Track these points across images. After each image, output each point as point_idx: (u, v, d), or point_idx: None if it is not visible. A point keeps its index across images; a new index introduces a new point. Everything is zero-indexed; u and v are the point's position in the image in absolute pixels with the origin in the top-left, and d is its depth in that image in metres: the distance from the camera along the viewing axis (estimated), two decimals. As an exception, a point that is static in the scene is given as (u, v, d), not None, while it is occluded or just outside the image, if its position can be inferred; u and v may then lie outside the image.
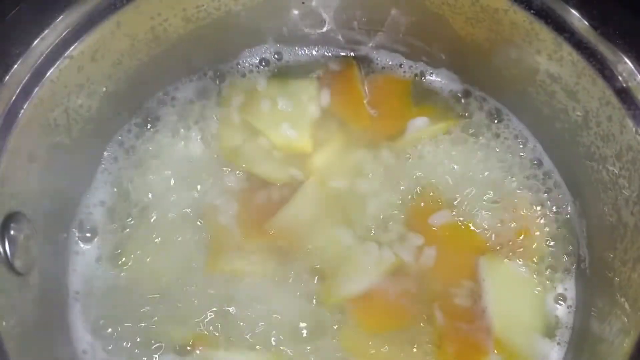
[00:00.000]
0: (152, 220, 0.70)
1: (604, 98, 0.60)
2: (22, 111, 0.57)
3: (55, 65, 0.59)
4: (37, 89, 0.58)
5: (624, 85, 0.58)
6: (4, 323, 0.51)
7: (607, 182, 0.62)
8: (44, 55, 0.58)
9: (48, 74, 0.59)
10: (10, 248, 0.54)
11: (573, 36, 0.60)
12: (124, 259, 0.68)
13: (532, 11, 0.61)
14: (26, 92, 0.57)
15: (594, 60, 0.59)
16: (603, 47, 0.59)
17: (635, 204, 0.58)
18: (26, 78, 0.57)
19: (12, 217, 0.56)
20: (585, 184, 0.67)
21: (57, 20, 0.59)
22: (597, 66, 0.59)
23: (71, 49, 0.60)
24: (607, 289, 0.63)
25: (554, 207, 0.71)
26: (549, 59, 0.64)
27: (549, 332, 0.68)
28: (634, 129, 0.58)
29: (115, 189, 0.71)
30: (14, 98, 0.56)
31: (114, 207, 0.71)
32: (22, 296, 0.56)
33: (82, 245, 0.68)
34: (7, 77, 0.56)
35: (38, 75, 0.58)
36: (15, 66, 0.56)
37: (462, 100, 0.76)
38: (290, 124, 0.75)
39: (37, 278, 0.59)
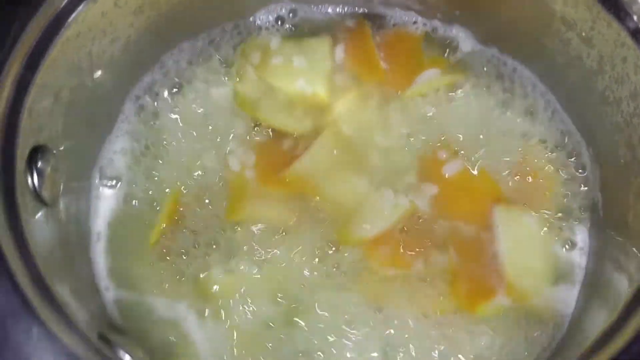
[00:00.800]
0: (170, 170, 0.72)
1: (618, 40, 0.61)
2: (49, 49, 0.58)
3: (80, 7, 0.61)
4: (63, 29, 0.60)
5: (639, 25, 0.59)
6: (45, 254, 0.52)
7: (621, 123, 0.63)
8: (70, -4, 0.60)
9: (73, 14, 0.60)
10: (38, 179, 0.56)
11: (588, -21, 0.61)
12: (144, 206, 0.70)
13: (547, -45, 0.63)
14: (53, 31, 0.59)
15: (609, 3, 0.60)
16: (618, -12, 0.60)
17: (649, 140, 0.59)
18: (53, 17, 0.59)
19: (38, 150, 0.57)
20: (598, 129, 0.68)
21: (83, -38, 0.60)
22: (611, 9, 0.60)
23: (95, -9, 0.62)
24: (621, 230, 0.64)
25: (567, 156, 0.72)
26: (564, 5, 0.64)
27: (560, 278, 0.69)
28: (648, 68, 0.59)
29: (134, 140, 0.73)
30: (41, 35, 0.58)
31: (133, 157, 0.72)
32: (50, 229, 0.57)
33: (103, 190, 0.70)
34: (36, 15, 0.57)
35: (64, 15, 0.59)
36: (43, 4, 0.58)
37: (476, 55, 0.77)
38: (305, 79, 0.76)
39: (63, 214, 0.61)
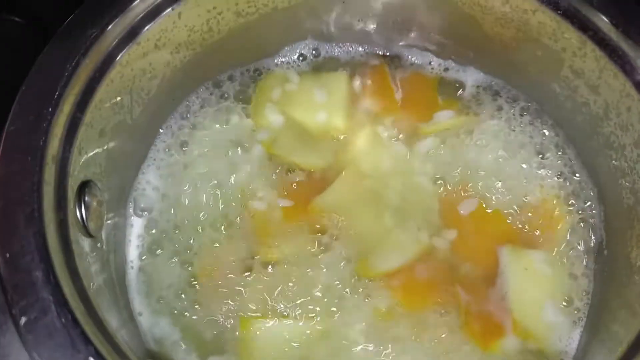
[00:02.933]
0: (198, 205, 0.75)
1: (624, 91, 0.65)
2: (96, 90, 0.62)
3: (125, 50, 0.65)
4: (109, 70, 0.64)
5: (644, 78, 0.64)
6: (92, 284, 0.56)
7: (625, 168, 0.68)
8: (117, 40, 0.64)
9: (119, 57, 0.64)
10: (85, 211, 0.59)
11: (596, 34, 0.66)
12: (173, 237, 0.73)
13: (559, 12, 0.67)
14: (101, 73, 0.63)
15: (616, 56, 0.65)
16: (624, 44, 0.64)
17: (652, 185, 0.64)
18: (101, 59, 0.63)
19: (86, 184, 0.61)
20: (604, 172, 0.72)
21: (129, 8, 0.64)
22: (618, 61, 0.65)
23: (139, 35, 0.66)
24: (624, 271, 0.67)
25: (575, 196, 0.76)
26: (573, 55, 0.69)
27: (565, 318, 0.71)
28: (651, 118, 0.64)
29: (164, 172, 0.76)
30: (90, 77, 0.62)
31: (162, 189, 0.76)
32: (94, 260, 0.60)
33: (136, 219, 0.73)
34: (85, 58, 0.61)
35: (111, 57, 0.64)
36: (92, 48, 0.62)
37: (488, 96, 0.82)
38: (325, 112, 0.80)
39: (104, 245, 0.64)
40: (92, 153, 0.63)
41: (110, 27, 0.63)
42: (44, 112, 0.57)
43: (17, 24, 0.90)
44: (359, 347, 0.68)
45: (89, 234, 0.60)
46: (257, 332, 0.67)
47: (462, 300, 0.71)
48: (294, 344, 0.67)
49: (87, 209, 0.60)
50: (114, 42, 0.64)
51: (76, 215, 0.59)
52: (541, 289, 0.72)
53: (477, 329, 0.70)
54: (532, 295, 0.71)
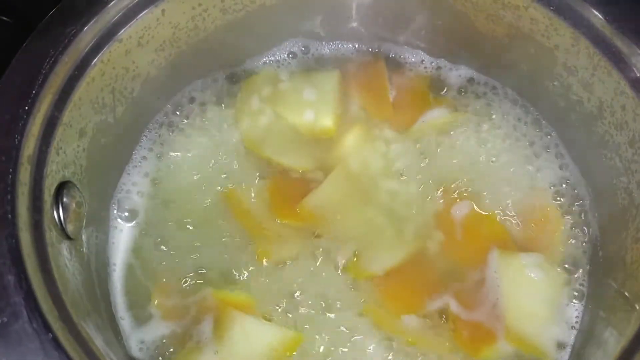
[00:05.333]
0: (184, 206, 0.73)
1: (618, 88, 0.64)
2: (75, 88, 0.61)
3: (106, 47, 0.64)
4: (89, 68, 0.62)
5: (638, 75, 0.62)
6: (69, 288, 0.54)
7: (619, 167, 0.66)
8: (97, 37, 0.62)
9: (99, 54, 0.63)
10: (63, 213, 0.58)
11: (590, 31, 0.64)
12: (159, 239, 0.72)
13: (551, 7, 0.66)
14: (80, 71, 0.61)
15: (609, 53, 0.64)
16: (618, 41, 0.63)
17: (647, 185, 0.62)
18: (80, 57, 0.61)
19: (64, 185, 0.59)
20: (598, 172, 0.71)
21: (110, 5, 0.63)
22: (612, 58, 0.64)
23: (120, 32, 0.65)
24: (618, 272, 0.66)
25: (569, 197, 0.74)
26: (567, 52, 0.68)
27: (560, 323, 0.69)
28: (646, 116, 0.62)
29: (148, 175, 0.75)
30: (69, 75, 0.60)
31: (147, 191, 0.74)
32: (73, 262, 0.59)
33: (119, 222, 0.72)
34: (63, 56, 0.60)
35: (91, 55, 0.62)
36: (71, 46, 0.60)
37: (481, 94, 0.80)
38: (314, 112, 0.78)
39: (84, 247, 0.63)
40: (71, 153, 0.61)
41: (90, 23, 0.62)
42: (20, 111, 0.56)
43: (6, 23, 0.89)
44: (346, 351, 0.66)
45: (67, 236, 0.59)
46: (238, 330, 0.65)
47: (452, 305, 0.69)
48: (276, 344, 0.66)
49: (65, 210, 0.58)
50: (95, 39, 0.62)
51: (53, 217, 0.57)
52: (534, 293, 0.70)
53: (469, 336, 0.68)
54: (525, 299, 0.69)
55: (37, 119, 0.57)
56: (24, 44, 0.60)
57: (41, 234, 0.54)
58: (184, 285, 0.69)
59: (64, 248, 0.58)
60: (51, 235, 0.56)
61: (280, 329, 0.66)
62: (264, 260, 0.70)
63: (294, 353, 0.66)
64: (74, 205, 0.60)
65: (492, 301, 0.69)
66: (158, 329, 0.67)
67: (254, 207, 0.74)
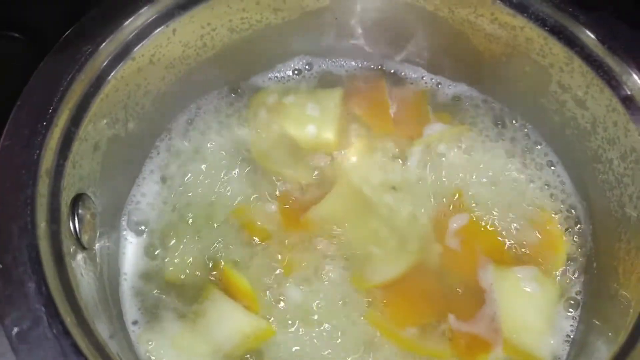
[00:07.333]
0: (193, 218, 0.76)
1: (610, 105, 0.67)
2: (91, 104, 0.64)
3: (120, 65, 0.66)
4: (104, 85, 0.65)
5: (629, 93, 0.65)
6: (84, 295, 0.56)
7: (612, 181, 0.69)
8: (111, 55, 0.65)
9: (113, 72, 0.66)
10: (79, 224, 0.60)
11: (583, 50, 0.67)
12: (167, 251, 0.74)
13: (546, 28, 0.69)
14: (95, 88, 0.64)
15: (602, 72, 0.66)
16: (610, 60, 0.65)
17: (638, 199, 0.65)
18: (96, 75, 0.64)
19: (80, 197, 0.62)
20: (592, 185, 0.73)
21: (124, 25, 0.66)
22: (604, 77, 0.66)
23: (134, 51, 0.67)
24: (612, 283, 0.68)
25: (563, 210, 0.76)
26: (561, 71, 0.71)
27: (556, 335, 0.71)
28: (637, 132, 0.64)
29: (158, 185, 0.77)
30: (85, 92, 0.63)
31: (157, 203, 0.76)
32: (87, 272, 0.61)
33: (130, 232, 0.74)
34: (80, 73, 0.63)
35: (105, 73, 0.65)
36: (87, 64, 0.63)
37: (479, 110, 0.83)
38: (316, 126, 0.81)
39: (97, 257, 0.65)
40: (86, 166, 0.64)
41: (105, 42, 0.64)
42: (39, 126, 0.58)
43: (18, 39, 0.92)
44: (348, 357, 0.69)
45: (82, 246, 0.61)
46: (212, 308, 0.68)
47: (450, 317, 0.71)
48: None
49: (80, 221, 0.61)
50: (109, 58, 0.65)
51: (70, 228, 0.60)
52: (530, 306, 0.71)
53: (466, 346, 0.70)
54: (521, 312, 0.71)
55: (55, 133, 0.59)
56: (42, 62, 0.62)
57: (59, 243, 0.56)
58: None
59: (79, 257, 0.60)
60: (68, 244, 0.58)
61: (253, 318, 0.68)
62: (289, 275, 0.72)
63: (262, 345, 0.68)
64: (88, 216, 0.62)
65: (489, 314, 0.71)
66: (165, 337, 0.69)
67: (263, 219, 0.76)
